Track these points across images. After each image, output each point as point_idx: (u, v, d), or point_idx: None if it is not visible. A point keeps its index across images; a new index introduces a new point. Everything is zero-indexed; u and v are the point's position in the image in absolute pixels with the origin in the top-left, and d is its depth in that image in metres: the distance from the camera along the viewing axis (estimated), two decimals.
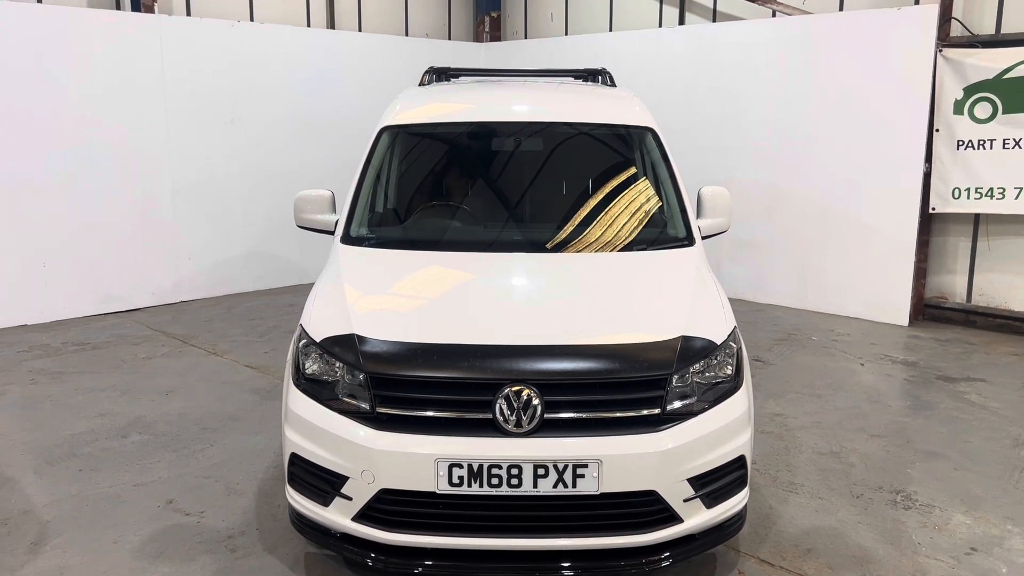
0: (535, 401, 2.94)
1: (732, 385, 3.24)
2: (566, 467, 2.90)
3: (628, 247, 3.89)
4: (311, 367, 3.23)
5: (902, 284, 7.64)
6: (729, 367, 3.25)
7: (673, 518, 3.03)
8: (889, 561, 3.50)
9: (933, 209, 7.49)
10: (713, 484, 3.11)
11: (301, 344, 3.30)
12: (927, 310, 7.87)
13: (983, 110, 7.17)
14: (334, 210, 4.38)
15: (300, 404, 3.18)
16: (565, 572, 3.02)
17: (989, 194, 7.21)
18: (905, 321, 7.64)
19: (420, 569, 3.06)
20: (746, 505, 3.29)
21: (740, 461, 3.21)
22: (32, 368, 6.24)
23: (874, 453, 4.67)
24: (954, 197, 7.38)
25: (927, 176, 7.46)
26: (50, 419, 5.16)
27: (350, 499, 3.02)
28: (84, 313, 7.89)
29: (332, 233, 4.26)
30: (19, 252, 7.47)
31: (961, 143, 7.29)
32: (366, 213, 4.23)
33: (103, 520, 3.85)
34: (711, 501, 3.11)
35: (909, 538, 3.71)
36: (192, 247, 8.64)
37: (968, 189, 7.29)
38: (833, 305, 8.10)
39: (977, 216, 7.56)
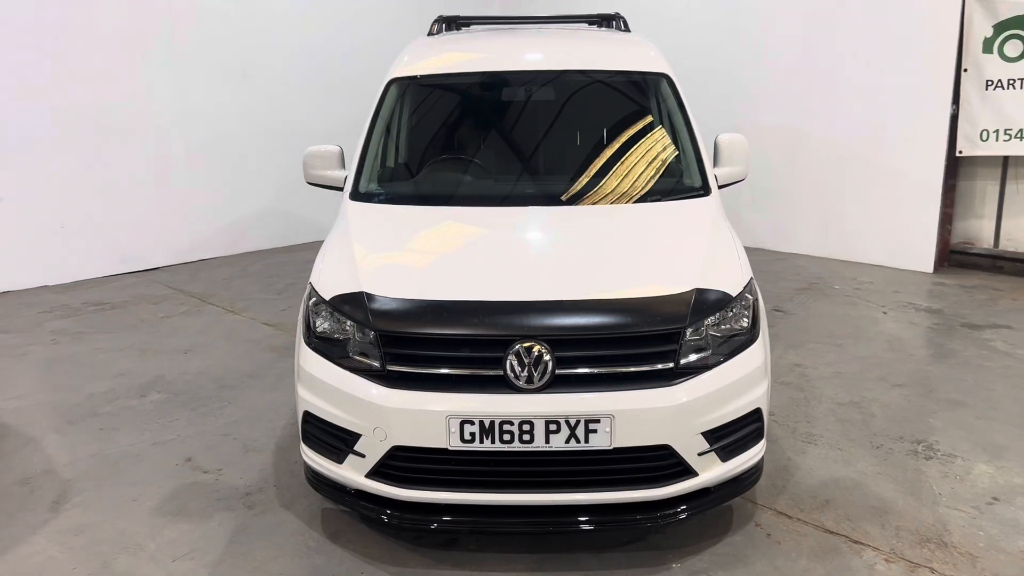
0: (546, 357, 2.89)
1: (748, 337, 3.17)
2: (578, 422, 2.87)
3: (643, 198, 3.80)
4: (322, 325, 3.21)
5: (927, 230, 7.48)
6: (745, 319, 3.18)
7: (688, 472, 2.99)
8: (909, 512, 3.46)
9: (960, 152, 7.28)
10: (728, 437, 3.07)
11: (311, 302, 3.28)
12: (952, 256, 7.71)
13: (1014, 48, 6.91)
14: (343, 166, 4.32)
15: (312, 362, 3.16)
16: (581, 527, 3.01)
17: (1019, 135, 6.99)
18: (930, 268, 7.49)
19: (436, 525, 3.06)
20: (763, 458, 3.25)
21: (756, 414, 3.16)
22: (53, 329, 6.29)
23: (895, 403, 4.60)
24: (982, 139, 7.16)
25: (954, 118, 7.25)
26: (71, 379, 5.21)
27: (363, 456, 3.02)
28: (103, 273, 7.94)
29: (341, 189, 4.20)
30: (36, 214, 7.50)
31: (990, 83, 7.05)
32: (375, 168, 4.17)
33: (122, 478, 3.90)
34: (726, 454, 3.07)
35: (930, 488, 3.66)
36: (208, 205, 8.63)
37: (997, 131, 7.07)
38: (856, 252, 7.97)
39: (1006, 159, 7.35)
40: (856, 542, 3.24)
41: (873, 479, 3.75)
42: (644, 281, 3.16)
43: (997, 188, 7.48)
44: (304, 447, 3.27)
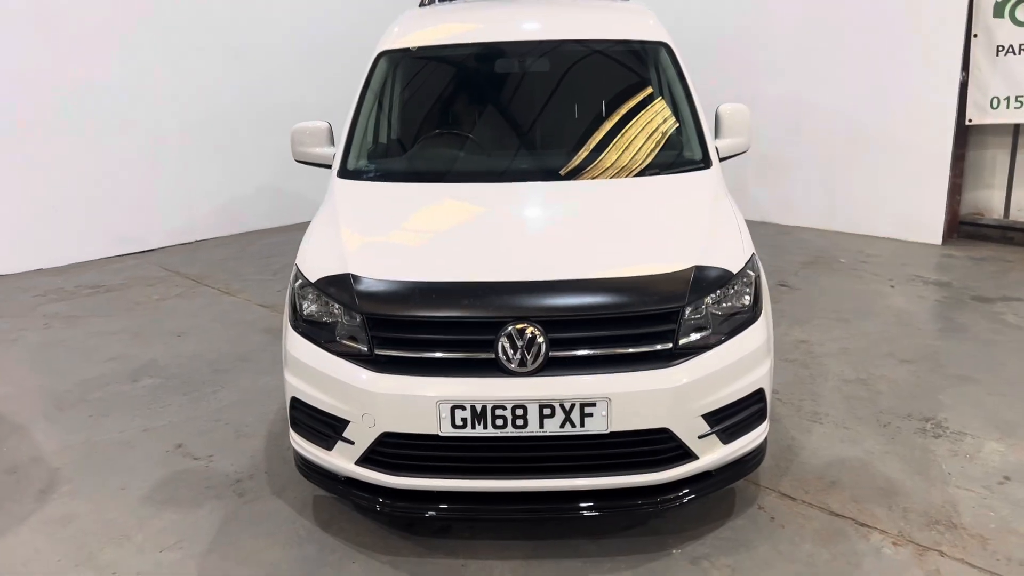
0: (539, 339, 2.78)
1: (750, 316, 3.06)
2: (573, 406, 2.76)
3: (641, 172, 3.66)
4: (308, 308, 3.10)
5: (935, 201, 7.32)
6: (746, 297, 3.06)
7: (688, 455, 2.89)
8: (917, 492, 3.35)
9: (970, 121, 7.09)
10: (730, 419, 2.96)
11: (297, 285, 3.17)
12: (962, 227, 7.55)
13: None
14: (332, 142, 4.20)
15: (299, 347, 3.06)
16: (578, 513, 2.92)
17: None
18: (938, 240, 7.34)
19: (429, 512, 2.97)
20: (765, 439, 3.15)
21: (758, 395, 3.04)
22: (46, 312, 6.21)
23: (903, 379, 4.49)
24: (992, 107, 6.97)
25: (963, 85, 7.05)
26: (62, 364, 5.13)
27: (352, 443, 2.92)
28: (98, 256, 7.85)
29: (329, 167, 4.08)
30: (30, 196, 7.39)
31: (1001, 48, 6.84)
32: (365, 145, 4.04)
33: (112, 466, 3.81)
34: (728, 437, 2.96)
35: (939, 467, 3.55)
36: (204, 185, 8.52)
37: (1008, 98, 6.88)
38: (863, 225, 7.82)
39: (1017, 127, 7.16)
40: (862, 525, 3.14)
41: (880, 459, 3.64)
42: (641, 259, 3.04)
43: (1008, 157, 7.30)
44: (293, 434, 3.18)
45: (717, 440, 2.93)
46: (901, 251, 7.20)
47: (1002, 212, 7.42)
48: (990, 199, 7.49)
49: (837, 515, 3.21)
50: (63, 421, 4.30)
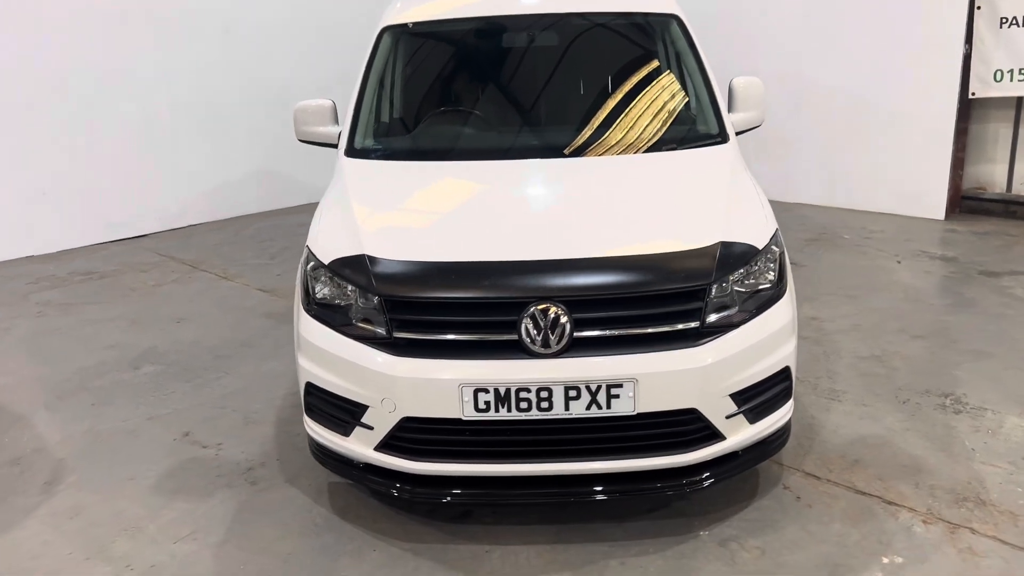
0: (563, 319, 2.69)
1: (775, 292, 2.99)
2: (599, 388, 2.69)
3: (657, 147, 3.58)
4: (321, 291, 3.00)
5: (938, 176, 7.27)
6: (771, 273, 2.99)
7: (715, 436, 2.83)
8: (942, 469, 3.31)
9: (973, 94, 7.03)
10: (757, 399, 2.90)
11: (309, 267, 3.07)
12: (963, 202, 7.51)
13: None
14: (336, 121, 4.09)
15: (312, 331, 2.97)
16: (604, 496, 2.85)
17: None
18: (941, 215, 7.30)
19: (449, 498, 2.90)
20: (791, 419, 3.09)
21: (785, 373, 2.98)
22: (39, 300, 6.07)
23: (918, 355, 4.44)
24: (995, 80, 6.91)
25: (966, 58, 6.98)
26: (59, 352, 5.01)
27: (371, 428, 2.84)
28: (90, 242, 7.69)
29: (336, 146, 3.97)
30: (18, 182, 7.22)
31: (1005, 20, 6.77)
32: (371, 123, 3.93)
33: (117, 456, 3.72)
34: (754, 416, 2.90)
35: (962, 444, 3.51)
36: (196, 168, 8.36)
37: (1011, 71, 6.82)
38: (864, 201, 7.76)
39: (1020, 99, 7.11)
40: (890, 503, 3.09)
41: (902, 436, 3.59)
42: (665, 235, 2.96)
43: (1010, 131, 7.24)
44: (308, 420, 3.09)
45: (744, 420, 2.87)
46: (904, 227, 7.16)
47: (1004, 186, 7.38)
48: (992, 173, 7.45)
49: (863, 493, 3.16)
50: (64, 410, 4.20)
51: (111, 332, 5.33)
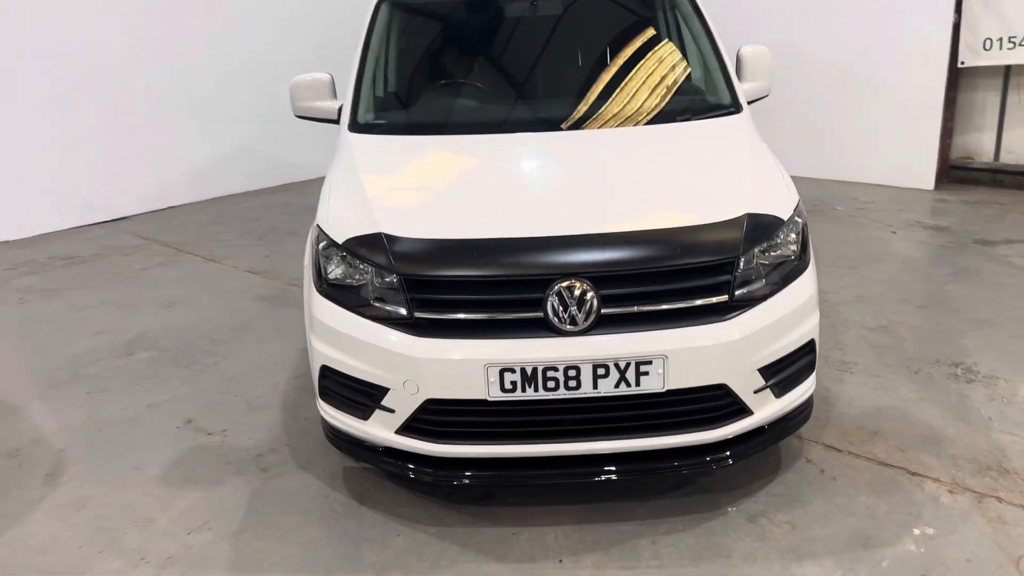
0: (590, 295, 2.63)
1: (799, 264, 2.94)
2: (628, 365, 2.63)
3: (672, 118, 3.51)
4: (334, 272, 2.90)
5: (928, 146, 7.28)
6: (795, 244, 2.95)
7: (743, 411, 2.78)
8: (962, 439, 3.30)
9: (962, 63, 7.03)
10: (783, 372, 2.86)
11: (321, 247, 2.96)
12: (952, 172, 7.54)
13: None
14: (335, 95, 3.96)
15: (327, 312, 2.87)
16: (626, 476, 2.81)
17: (1023, 43, 6.74)
18: (931, 185, 7.33)
19: (471, 480, 2.83)
20: (813, 393, 3.06)
21: (810, 346, 2.95)
22: (20, 287, 5.89)
23: (924, 325, 4.44)
24: (985, 49, 6.91)
25: (956, 27, 6.96)
26: (47, 340, 4.86)
27: (392, 411, 2.76)
28: (68, 225, 7.48)
29: (334, 122, 3.86)
30: None
31: None
32: (372, 96, 3.81)
33: (119, 445, 3.61)
34: (780, 390, 2.86)
35: (978, 413, 3.51)
36: (175, 148, 8.14)
37: (1000, 39, 6.82)
38: (854, 173, 7.76)
39: (1008, 68, 7.12)
40: (914, 474, 3.08)
41: (917, 406, 3.59)
42: (690, 208, 2.90)
43: (998, 99, 7.26)
44: (322, 403, 3.00)
45: (771, 394, 2.83)
46: (895, 197, 7.17)
47: (992, 155, 7.42)
48: (980, 142, 7.48)
49: (886, 465, 3.15)
50: (59, 400, 4.07)
51: (99, 317, 5.18)
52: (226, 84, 8.37)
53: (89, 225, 7.55)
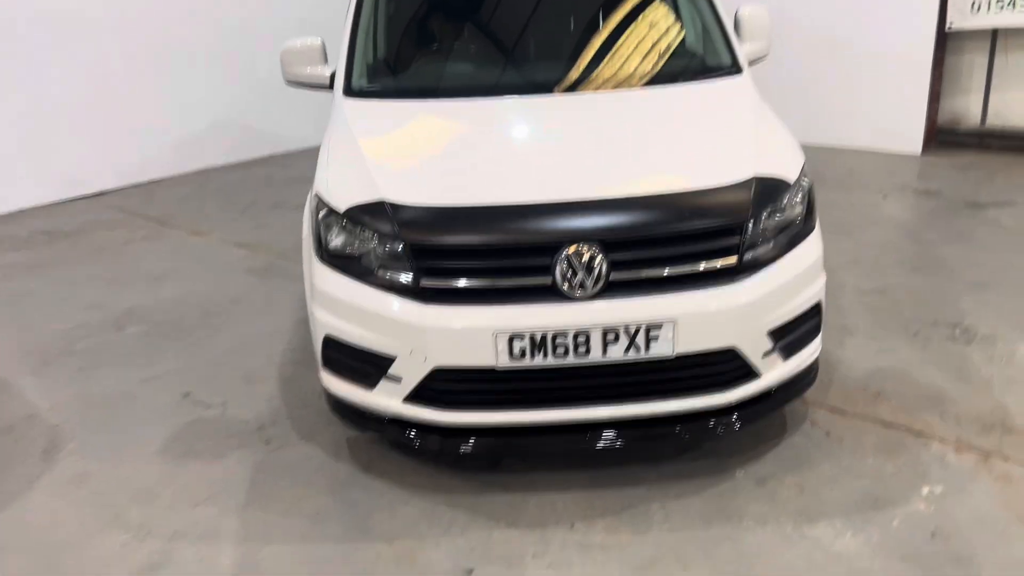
0: (599, 260, 2.59)
1: (805, 227, 2.93)
2: (638, 330, 2.60)
3: (673, 79, 3.46)
4: (336, 240, 2.84)
5: (916, 110, 7.28)
6: (802, 207, 2.93)
7: (751, 374, 2.77)
8: (965, 399, 3.32)
9: (950, 26, 7.01)
10: (791, 335, 2.84)
11: (321, 216, 2.90)
12: (939, 136, 7.55)
13: None
14: (326, 60, 3.87)
15: (329, 281, 2.82)
16: (634, 441, 2.80)
17: (1011, 5, 6.73)
18: (918, 149, 7.34)
19: (474, 448, 2.81)
20: (818, 356, 3.05)
21: (816, 308, 2.94)
22: (3, 263, 5.76)
23: (920, 287, 4.46)
24: (973, 10, 6.89)
25: None
26: (35, 315, 4.76)
27: (399, 380, 2.72)
28: (46, 200, 7.31)
29: (326, 88, 3.77)
30: None
31: None
32: (366, 60, 3.73)
33: (116, 420, 3.55)
34: (788, 353, 2.85)
35: (979, 373, 3.53)
36: (154, 120, 7.97)
37: (988, 1, 6.79)
38: (841, 138, 7.75)
39: (995, 31, 7.10)
40: (919, 434, 3.10)
41: (918, 367, 3.60)
42: (697, 171, 2.86)
43: (985, 62, 7.26)
44: (326, 374, 2.96)
45: (779, 358, 2.82)
46: (883, 162, 7.18)
47: (979, 119, 7.43)
48: (967, 106, 7.48)
49: (891, 426, 3.16)
50: (51, 375, 3.99)
51: (87, 292, 5.08)
52: (206, 53, 8.18)
53: (69, 200, 7.40)
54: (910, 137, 7.34)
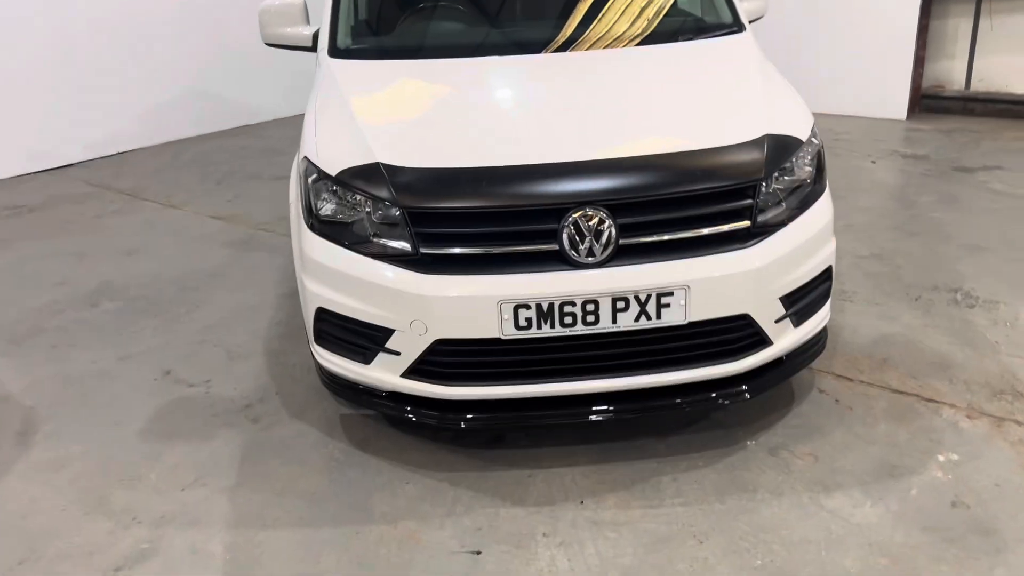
0: (607, 224, 2.47)
1: (816, 188, 2.83)
2: (649, 297, 2.49)
3: (675, 37, 3.33)
4: (327, 207, 2.68)
5: (900, 75, 7.21)
6: (812, 168, 2.82)
7: (762, 342, 2.68)
8: (971, 364, 3.26)
9: None
10: (803, 300, 2.75)
11: (311, 180, 2.74)
12: (924, 101, 7.49)
13: None
14: (307, 20, 3.68)
15: (321, 251, 2.67)
16: (645, 412, 2.71)
17: None
18: (903, 115, 7.28)
19: (476, 423, 2.70)
20: (828, 322, 2.96)
21: (827, 273, 2.85)
22: None
23: (917, 252, 4.39)
24: None
25: None
26: (2, 293, 4.54)
27: (398, 354, 2.59)
28: (10, 174, 7.02)
29: (308, 49, 3.59)
30: None
31: None
32: (352, 19, 3.55)
33: (94, 400, 3.38)
34: (799, 319, 2.76)
35: (983, 337, 3.47)
36: (122, 90, 7.66)
37: None
38: (825, 104, 7.64)
39: None
40: (929, 400, 3.03)
41: (922, 332, 3.54)
42: (705, 130, 2.74)
43: (970, 26, 7.20)
44: (318, 348, 2.81)
45: (790, 324, 2.73)
46: (869, 128, 7.11)
47: (963, 83, 7.38)
48: (950, 70, 7.43)
49: (900, 392, 3.09)
50: (23, 355, 3.80)
51: (57, 268, 4.86)
52: (174, 21, 7.87)
53: (32, 173, 7.11)
54: (895, 102, 7.28)
